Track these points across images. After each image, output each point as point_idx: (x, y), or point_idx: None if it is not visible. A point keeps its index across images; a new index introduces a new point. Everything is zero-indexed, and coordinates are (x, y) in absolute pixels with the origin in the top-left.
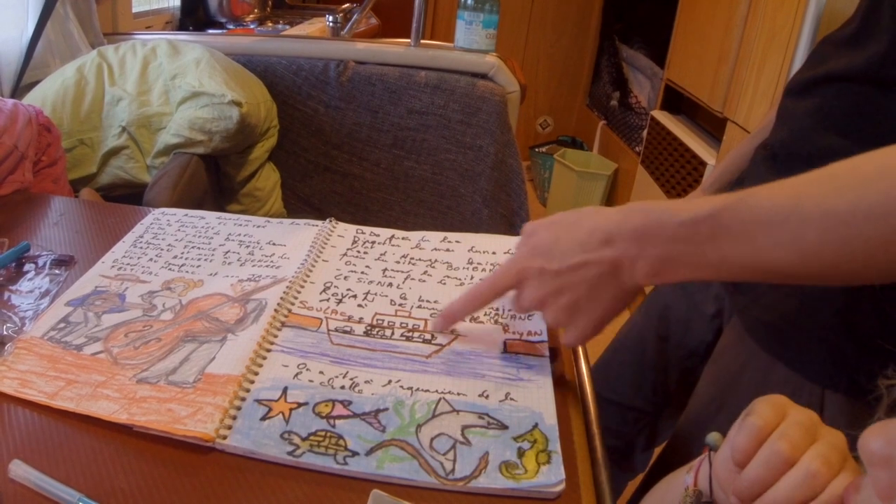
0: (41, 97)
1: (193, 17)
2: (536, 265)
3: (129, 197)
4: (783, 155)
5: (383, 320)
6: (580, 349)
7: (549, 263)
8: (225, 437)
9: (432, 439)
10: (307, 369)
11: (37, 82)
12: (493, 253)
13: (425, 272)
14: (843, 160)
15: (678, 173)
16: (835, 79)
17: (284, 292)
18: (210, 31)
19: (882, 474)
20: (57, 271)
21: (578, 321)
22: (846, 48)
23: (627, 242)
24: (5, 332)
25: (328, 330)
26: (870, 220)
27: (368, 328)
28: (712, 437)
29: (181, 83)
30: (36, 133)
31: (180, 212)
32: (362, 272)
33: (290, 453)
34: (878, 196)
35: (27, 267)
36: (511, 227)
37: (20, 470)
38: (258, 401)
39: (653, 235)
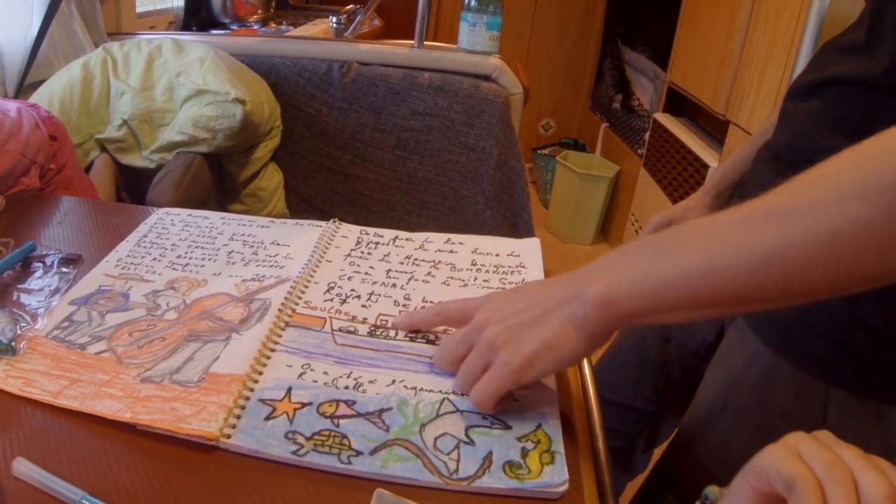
0: (48, 95)
1: (197, 17)
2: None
3: (130, 195)
4: (786, 156)
5: (387, 321)
6: None
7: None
8: (229, 437)
9: (436, 439)
10: (311, 369)
11: (40, 81)
12: (497, 255)
13: (429, 273)
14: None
15: (680, 175)
16: (838, 83)
17: (288, 292)
18: (213, 31)
19: None
20: (65, 269)
21: (518, 345)
22: (851, 54)
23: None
24: (19, 332)
25: (332, 330)
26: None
27: (372, 328)
28: (712, 490)
29: (185, 80)
30: (46, 139)
31: (184, 212)
32: (366, 273)
33: (294, 452)
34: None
35: (35, 266)
36: (513, 229)
37: (24, 468)
38: (262, 400)
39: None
